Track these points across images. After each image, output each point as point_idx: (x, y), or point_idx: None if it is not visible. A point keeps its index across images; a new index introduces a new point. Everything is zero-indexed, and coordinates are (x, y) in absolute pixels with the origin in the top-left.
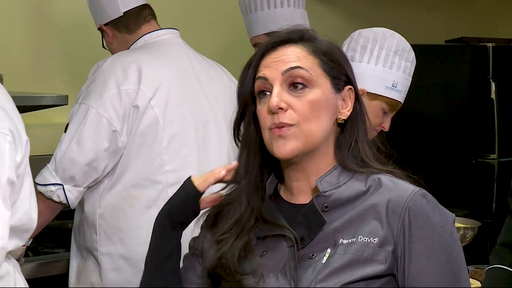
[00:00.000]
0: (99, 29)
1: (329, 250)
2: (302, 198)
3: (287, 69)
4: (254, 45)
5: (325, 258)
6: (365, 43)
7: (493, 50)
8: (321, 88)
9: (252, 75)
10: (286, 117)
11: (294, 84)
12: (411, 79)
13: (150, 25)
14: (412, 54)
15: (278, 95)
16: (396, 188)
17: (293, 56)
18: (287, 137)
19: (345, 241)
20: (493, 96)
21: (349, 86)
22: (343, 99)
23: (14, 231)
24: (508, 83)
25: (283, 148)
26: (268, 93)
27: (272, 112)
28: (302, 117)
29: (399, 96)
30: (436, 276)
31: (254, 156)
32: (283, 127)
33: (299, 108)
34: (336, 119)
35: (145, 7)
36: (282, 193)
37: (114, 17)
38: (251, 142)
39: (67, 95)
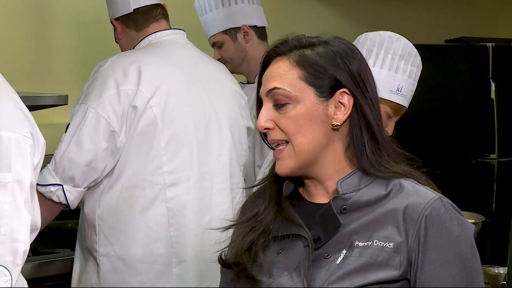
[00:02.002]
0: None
1: (344, 251)
2: (322, 198)
3: (268, 91)
4: (213, 45)
5: (339, 259)
6: (371, 47)
7: (493, 50)
8: (304, 101)
9: (257, 90)
10: (276, 135)
11: (277, 104)
12: (416, 84)
13: (158, 24)
14: (419, 59)
15: (264, 116)
16: (416, 194)
17: (275, 73)
18: (282, 158)
19: (361, 244)
20: (493, 96)
21: (342, 90)
22: (339, 103)
23: None
24: (508, 83)
25: (279, 168)
26: None
27: None
28: (289, 134)
29: (404, 100)
30: (447, 286)
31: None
32: (278, 146)
33: (283, 126)
34: (332, 125)
35: (157, 6)
36: (303, 192)
37: (124, 12)
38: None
39: (67, 95)
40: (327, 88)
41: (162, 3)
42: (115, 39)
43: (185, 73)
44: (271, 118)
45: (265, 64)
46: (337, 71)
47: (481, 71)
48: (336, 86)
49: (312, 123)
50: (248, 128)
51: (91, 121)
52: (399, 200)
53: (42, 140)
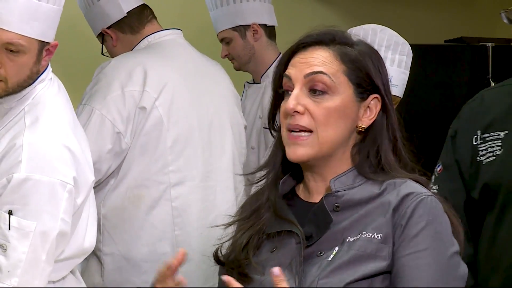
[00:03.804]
0: (99, 35)
1: (336, 248)
2: (318, 197)
3: (310, 73)
4: (221, 40)
5: (331, 256)
6: None
7: (492, 50)
8: (342, 96)
9: (281, 71)
10: (302, 120)
11: (315, 89)
12: (408, 72)
13: (152, 25)
14: (407, 47)
15: (296, 98)
16: (407, 188)
17: (319, 60)
18: (301, 144)
19: (352, 239)
20: None
21: (375, 95)
22: (367, 107)
23: (66, 261)
24: None
25: (294, 153)
26: (291, 92)
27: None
28: (318, 123)
29: (396, 90)
30: (422, 275)
31: (279, 151)
32: (300, 133)
33: (316, 114)
34: (357, 127)
35: (145, 7)
36: (300, 192)
37: (118, 18)
38: (277, 137)
39: None
40: (365, 91)
41: (145, 3)
42: (102, 52)
43: (188, 72)
44: (304, 102)
45: (295, 51)
46: (376, 76)
47: (481, 71)
48: (371, 90)
49: (343, 119)
50: (245, 127)
51: (96, 122)
52: (390, 195)
53: (91, 179)
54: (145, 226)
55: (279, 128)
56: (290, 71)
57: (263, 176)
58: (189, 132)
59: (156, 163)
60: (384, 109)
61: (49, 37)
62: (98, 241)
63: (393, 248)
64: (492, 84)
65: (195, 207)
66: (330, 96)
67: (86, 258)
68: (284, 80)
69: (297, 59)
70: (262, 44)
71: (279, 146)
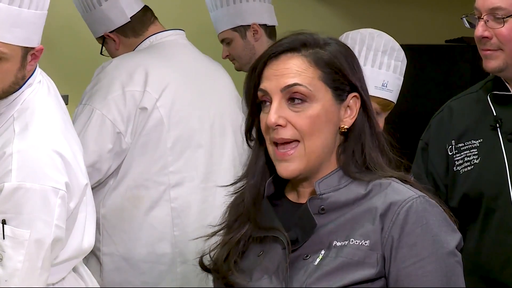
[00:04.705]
0: (99, 37)
1: (323, 252)
2: (306, 199)
3: (286, 86)
4: (222, 41)
5: (317, 260)
6: (353, 45)
7: None
8: (321, 102)
9: (254, 84)
10: (286, 133)
11: (294, 99)
12: (402, 78)
13: (155, 26)
14: (402, 53)
15: (276, 112)
16: (394, 192)
17: (293, 69)
18: (290, 160)
19: (338, 244)
20: None
21: (354, 94)
22: (348, 106)
23: (65, 263)
24: None
25: (285, 170)
26: (268, 103)
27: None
28: (303, 133)
29: (390, 95)
30: (421, 284)
31: (259, 159)
32: (285, 146)
33: (298, 124)
34: (340, 128)
35: (147, 8)
36: (288, 193)
37: (122, 23)
38: (257, 146)
39: (67, 95)
40: (343, 92)
41: (146, 4)
42: (101, 52)
43: (189, 73)
44: (284, 115)
45: (267, 61)
46: (352, 74)
47: (481, 71)
48: (349, 90)
49: (327, 125)
50: None
51: (96, 122)
52: (377, 199)
53: (83, 182)
54: (144, 226)
55: (257, 138)
56: (265, 84)
57: (243, 185)
58: (190, 133)
59: (156, 164)
60: (363, 106)
61: (34, 42)
62: (97, 241)
63: (382, 255)
64: None
65: (195, 208)
66: (310, 104)
67: (85, 258)
68: (259, 93)
69: (271, 71)
70: (263, 44)
71: (259, 156)
